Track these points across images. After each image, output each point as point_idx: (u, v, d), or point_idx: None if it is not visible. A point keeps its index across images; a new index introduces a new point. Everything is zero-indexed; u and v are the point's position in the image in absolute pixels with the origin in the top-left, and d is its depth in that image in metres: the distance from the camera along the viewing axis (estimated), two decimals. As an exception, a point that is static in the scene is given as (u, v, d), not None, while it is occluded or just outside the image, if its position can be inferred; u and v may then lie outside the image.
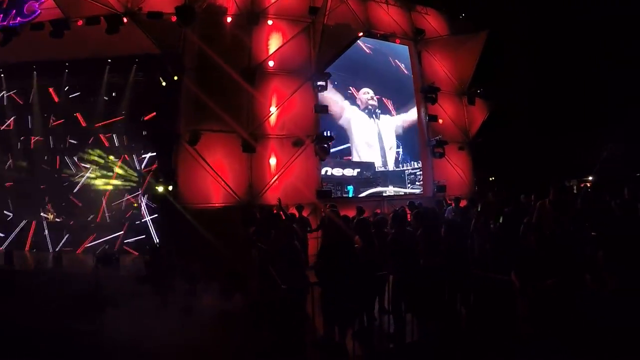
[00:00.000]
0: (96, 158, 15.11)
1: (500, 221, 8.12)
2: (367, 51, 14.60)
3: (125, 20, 11.86)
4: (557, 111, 21.02)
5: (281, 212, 9.41)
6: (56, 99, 15.52)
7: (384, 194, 14.19)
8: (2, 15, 13.37)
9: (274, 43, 12.72)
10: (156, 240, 12.78)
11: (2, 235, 15.22)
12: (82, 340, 6.88)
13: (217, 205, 11.46)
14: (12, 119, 16.10)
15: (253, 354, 6.51)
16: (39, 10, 12.96)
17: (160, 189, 10.98)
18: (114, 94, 14.82)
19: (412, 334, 6.28)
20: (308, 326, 6.39)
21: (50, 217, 15.32)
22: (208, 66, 11.73)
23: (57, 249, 14.21)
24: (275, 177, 11.93)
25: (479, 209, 8.75)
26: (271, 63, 12.51)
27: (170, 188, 10.94)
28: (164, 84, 11.58)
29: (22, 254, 14.21)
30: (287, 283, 6.09)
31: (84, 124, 15.28)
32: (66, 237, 14.67)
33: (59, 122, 15.66)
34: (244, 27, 12.43)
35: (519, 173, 18.74)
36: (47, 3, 12.70)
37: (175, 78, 11.47)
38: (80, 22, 12.36)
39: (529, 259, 5.03)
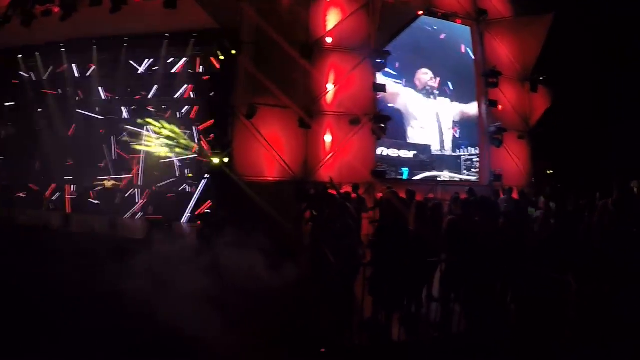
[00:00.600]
0: (156, 129, 15.69)
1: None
2: (427, 30, 14.03)
3: None
4: (624, 104, 19.62)
5: (334, 190, 9.17)
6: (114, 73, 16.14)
7: (439, 179, 13.70)
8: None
9: (332, 19, 12.37)
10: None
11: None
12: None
13: (271, 179, 11.43)
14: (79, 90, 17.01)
15: (297, 329, 6.39)
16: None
17: (216, 160, 10.94)
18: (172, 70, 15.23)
19: (459, 325, 6.02)
20: (355, 306, 6.25)
21: (108, 184, 16.16)
22: (265, 41, 11.56)
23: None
24: (330, 154, 11.72)
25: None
26: (329, 39, 12.20)
27: (226, 160, 10.95)
28: (221, 57, 11.53)
29: (83, 218, 14.94)
30: (338, 261, 6.01)
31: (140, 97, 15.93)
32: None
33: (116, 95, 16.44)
34: (301, 2, 12.18)
35: (580, 168, 17.62)
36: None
37: (233, 52, 11.35)
38: (138, -2, 12.53)
39: (587, 260, 4.80)
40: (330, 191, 9.76)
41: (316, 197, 9.72)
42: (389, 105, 13.14)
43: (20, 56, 17.25)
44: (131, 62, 15.77)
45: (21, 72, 17.72)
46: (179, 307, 7.53)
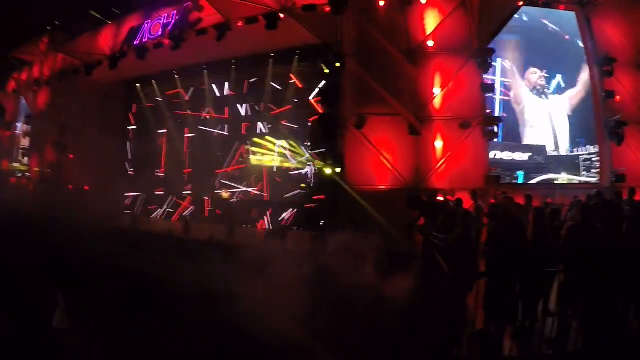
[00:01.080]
0: (267, 143, 16.65)
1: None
2: (531, 22, 13.24)
3: (281, 16, 12.58)
4: None
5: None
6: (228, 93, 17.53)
7: (556, 182, 12.76)
8: (169, 28, 14.88)
9: (431, 22, 12.05)
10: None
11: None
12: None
13: (382, 187, 11.38)
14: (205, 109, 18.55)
15: (408, 338, 6.28)
16: (202, 18, 14.14)
17: (329, 171, 11.22)
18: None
19: (575, 342, 5.56)
20: (467, 317, 6.05)
21: (225, 195, 17.49)
22: (367, 51, 11.71)
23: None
24: (442, 160, 11.39)
25: None
26: (430, 43, 11.88)
27: (338, 170, 11.13)
28: (326, 71, 11.78)
29: (200, 225, 16.19)
30: (454, 272, 5.80)
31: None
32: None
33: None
34: (397, 8, 12.02)
35: None
36: (208, 10, 13.81)
37: (337, 65, 11.59)
38: (240, 23, 13.28)
39: None
40: (442, 198, 9.57)
41: (429, 205, 9.55)
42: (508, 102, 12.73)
43: (138, 85, 19.08)
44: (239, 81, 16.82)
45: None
46: (293, 311, 7.74)
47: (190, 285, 9.79)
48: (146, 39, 15.49)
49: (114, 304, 8.38)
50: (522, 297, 5.79)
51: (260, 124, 16.93)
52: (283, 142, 16.30)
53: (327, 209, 12.21)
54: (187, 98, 18.79)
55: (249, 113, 17.18)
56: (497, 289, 5.59)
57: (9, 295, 8.26)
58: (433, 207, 9.22)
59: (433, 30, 11.94)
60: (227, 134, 18.05)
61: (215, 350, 6.56)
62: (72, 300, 7.08)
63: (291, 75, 15.36)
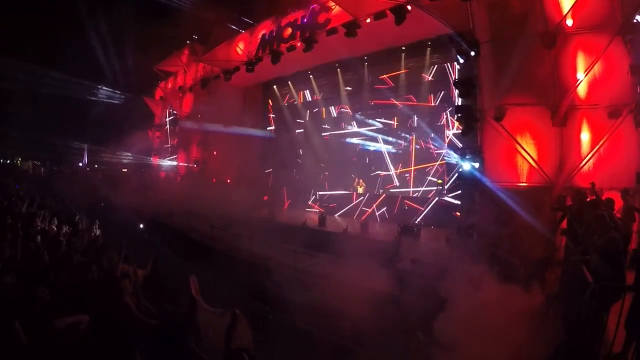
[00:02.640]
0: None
1: None
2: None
3: (409, 8, 12.36)
4: None
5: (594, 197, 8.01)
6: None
7: None
8: (299, 31, 15.75)
9: (568, -1, 10.84)
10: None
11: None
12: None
13: (523, 185, 10.58)
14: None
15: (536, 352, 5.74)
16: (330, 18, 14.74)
17: (467, 165, 10.79)
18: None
19: None
20: (604, 335, 5.14)
21: (360, 189, 18.56)
22: (502, 37, 10.95)
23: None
24: (589, 154, 10.12)
25: None
26: (569, 22, 10.53)
27: (477, 165, 10.71)
28: (461, 61, 11.48)
29: (334, 218, 17.40)
30: (596, 280, 4.96)
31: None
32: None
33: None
34: (530, -12, 11.07)
35: None
36: (336, 10, 14.32)
37: (472, 54, 11.21)
38: (368, 20, 13.53)
39: None
40: (590, 198, 8.72)
41: (575, 206, 8.54)
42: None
43: (275, 86, 20.78)
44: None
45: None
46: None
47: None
48: (279, 43, 16.41)
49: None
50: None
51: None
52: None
53: (464, 207, 12.00)
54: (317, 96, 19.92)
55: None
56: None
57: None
58: (580, 208, 8.19)
59: (571, 8, 10.42)
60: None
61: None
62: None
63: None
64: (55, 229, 9.22)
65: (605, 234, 5.64)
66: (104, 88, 30.62)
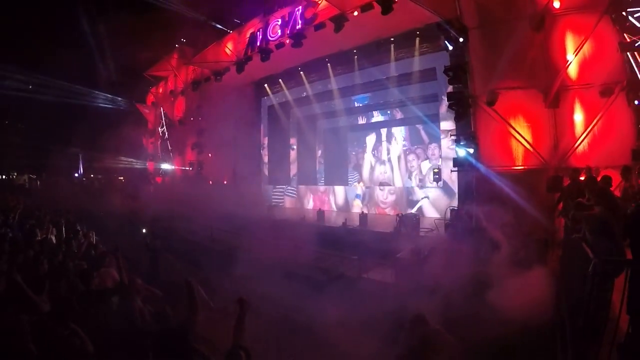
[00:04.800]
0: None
1: None
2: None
3: None
4: None
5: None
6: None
7: None
8: (287, 28, 15.68)
9: (553, -21, 10.77)
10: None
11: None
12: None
13: (518, 168, 10.60)
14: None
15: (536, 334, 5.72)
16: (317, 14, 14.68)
17: (462, 151, 10.78)
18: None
19: None
20: (608, 318, 4.78)
21: (359, 189, 18.94)
22: (490, 22, 10.98)
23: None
24: (583, 135, 10.16)
25: None
26: (556, 4, 10.61)
27: (471, 150, 10.70)
28: (450, 48, 11.45)
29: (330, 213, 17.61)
30: (599, 260, 4.66)
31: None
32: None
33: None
34: (515, -30, 11.00)
35: None
36: (322, 4, 14.26)
37: (461, 40, 11.19)
38: (356, 13, 13.48)
39: None
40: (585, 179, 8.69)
41: (571, 186, 8.53)
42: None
43: (266, 85, 20.70)
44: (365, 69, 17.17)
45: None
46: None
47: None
48: (267, 41, 16.34)
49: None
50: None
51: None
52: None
53: (461, 193, 11.95)
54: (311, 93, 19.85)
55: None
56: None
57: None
58: (576, 188, 8.13)
59: None
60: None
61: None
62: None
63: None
64: (54, 239, 9.18)
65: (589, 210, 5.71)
66: (96, 93, 30.37)
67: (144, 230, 16.05)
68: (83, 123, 30.52)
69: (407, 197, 16.56)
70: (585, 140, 10.25)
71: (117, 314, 4.67)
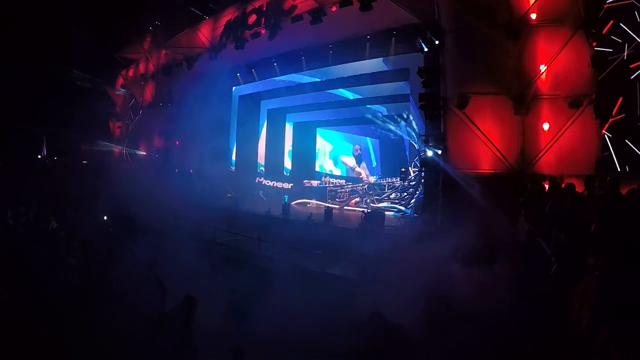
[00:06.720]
0: None
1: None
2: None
3: None
4: None
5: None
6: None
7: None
8: (264, 18, 15.42)
9: (533, -9, 11.12)
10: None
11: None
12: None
13: (485, 171, 10.77)
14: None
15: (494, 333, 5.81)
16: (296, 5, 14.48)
17: (430, 153, 10.85)
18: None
19: None
20: (569, 319, 5.12)
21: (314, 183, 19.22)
22: (467, 27, 11.05)
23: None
24: (549, 143, 10.45)
25: None
26: (533, 15, 10.88)
27: (440, 152, 10.79)
28: (425, 50, 11.48)
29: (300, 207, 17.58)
30: (559, 261, 5.00)
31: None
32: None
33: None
34: (496, -21, 11.23)
35: None
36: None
37: (437, 43, 11.24)
38: (334, 8, 13.38)
39: None
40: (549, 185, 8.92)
41: (535, 191, 8.84)
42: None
43: (238, 74, 20.16)
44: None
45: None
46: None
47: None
48: (243, 30, 16.04)
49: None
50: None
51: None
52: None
53: (427, 193, 12.03)
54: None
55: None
56: (612, 287, 4.57)
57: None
58: (540, 193, 8.54)
59: (536, 1, 10.86)
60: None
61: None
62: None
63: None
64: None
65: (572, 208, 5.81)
66: (63, 71, 28.86)
67: (105, 218, 15.56)
68: (49, 102, 29.08)
69: (373, 194, 16.53)
70: (552, 148, 10.52)
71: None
